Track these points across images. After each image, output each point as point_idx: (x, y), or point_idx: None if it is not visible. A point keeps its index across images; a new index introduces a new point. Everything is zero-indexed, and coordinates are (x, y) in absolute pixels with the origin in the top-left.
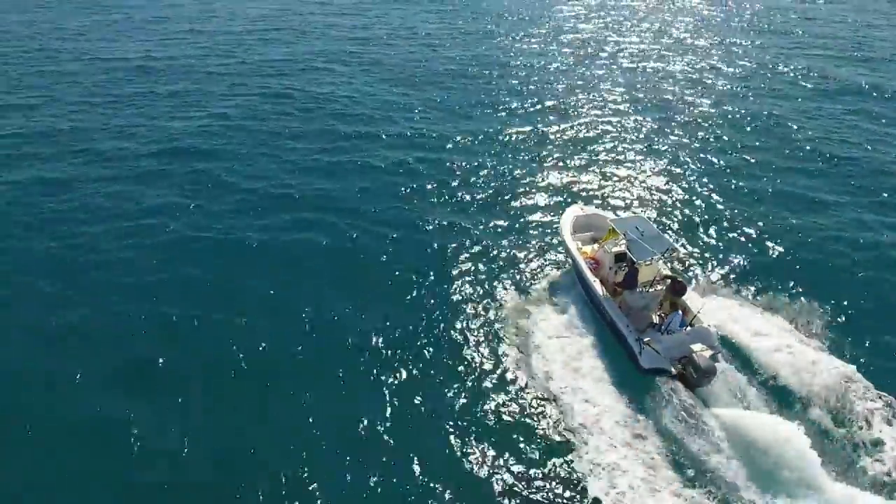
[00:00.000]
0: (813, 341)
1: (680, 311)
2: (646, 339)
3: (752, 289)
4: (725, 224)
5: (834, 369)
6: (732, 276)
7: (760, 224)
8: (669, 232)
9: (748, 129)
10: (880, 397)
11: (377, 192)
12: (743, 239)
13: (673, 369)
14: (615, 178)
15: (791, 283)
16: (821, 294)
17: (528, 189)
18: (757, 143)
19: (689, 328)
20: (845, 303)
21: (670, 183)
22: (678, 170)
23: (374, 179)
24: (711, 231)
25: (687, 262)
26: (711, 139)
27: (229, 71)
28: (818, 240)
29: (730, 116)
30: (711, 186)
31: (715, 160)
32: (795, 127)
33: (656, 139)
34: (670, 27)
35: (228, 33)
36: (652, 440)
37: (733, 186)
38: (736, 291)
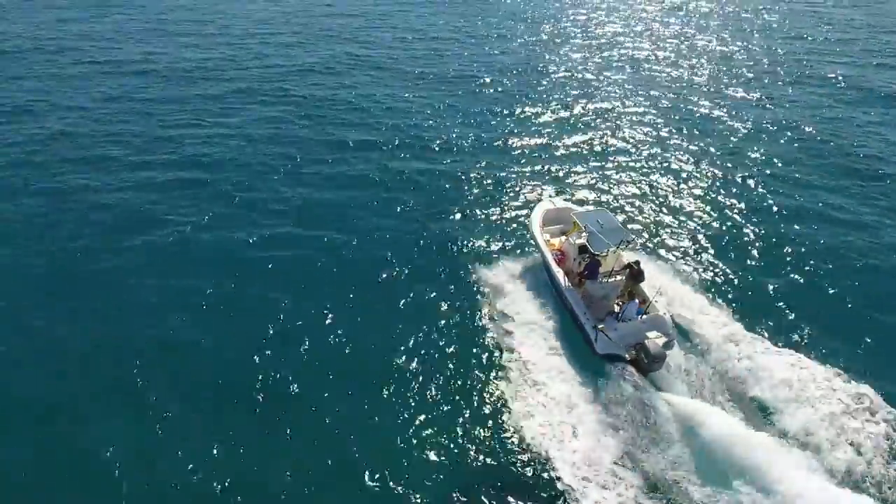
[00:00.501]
0: (763, 333)
1: (636, 300)
2: (600, 327)
3: (709, 276)
4: (731, 232)
5: (779, 356)
6: (708, 272)
7: (770, 236)
8: (673, 234)
9: (762, 135)
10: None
11: (375, 201)
12: (726, 242)
13: (627, 355)
14: (622, 183)
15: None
16: (772, 284)
17: (522, 192)
18: (786, 157)
19: (644, 316)
20: (793, 296)
21: (680, 188)
22: (692, 180)
23: (370, 188)
24: (707, 233)
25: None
26: (727, 148)
27: (231, 76)
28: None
29: (743, 123)
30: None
31: (737, 173)
32: (814, 133)
33: (670, 146)
34: (687, 32)
35: (229, 36)
36: (601, 419)
37: (750, 195)
38: (699, 283)
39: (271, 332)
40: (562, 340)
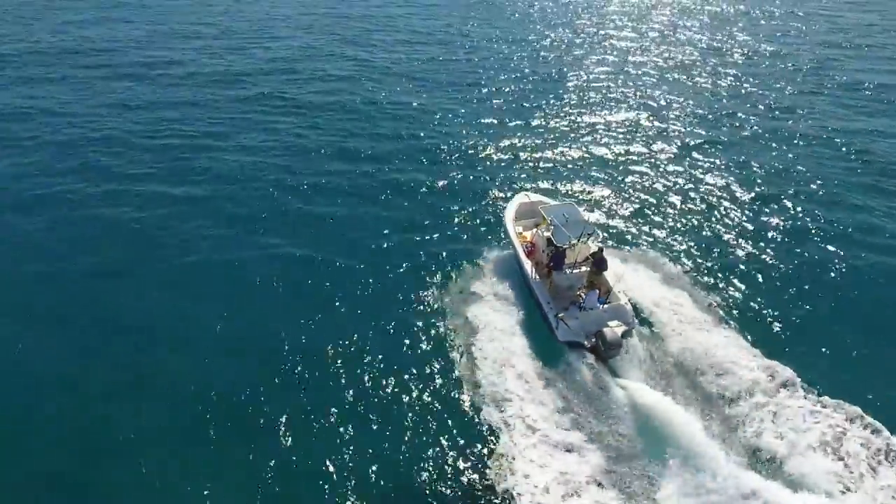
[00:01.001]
0: (723, 324)
1: (596, 290)
2: (561, 315)
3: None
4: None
5: (733, 348)
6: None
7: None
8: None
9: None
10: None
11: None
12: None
13: (586, 342)
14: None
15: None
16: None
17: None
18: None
19: (606, 305)
20: (768, 297)
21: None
22: (698, 183)
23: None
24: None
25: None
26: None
27: (234, 79)
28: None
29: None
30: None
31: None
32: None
33: (686, 155)
34: (700, 37)
35: (231, 35)
36: (557, 403)
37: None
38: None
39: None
40: (526, 328)
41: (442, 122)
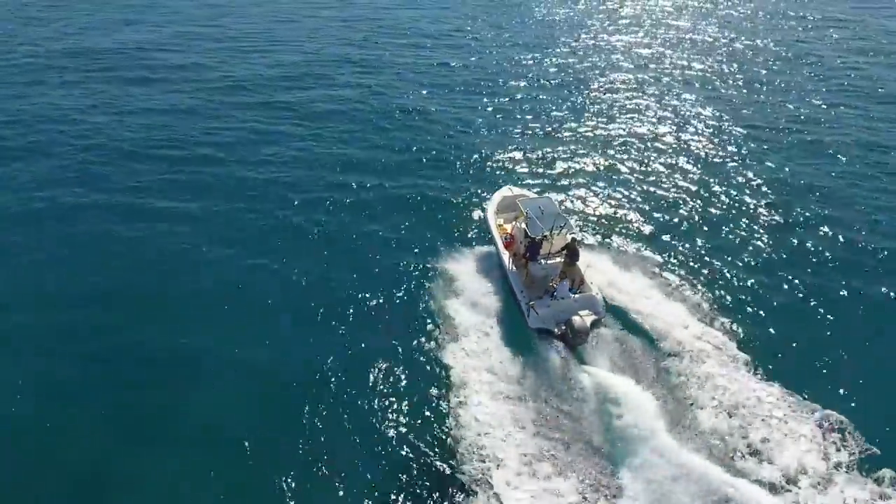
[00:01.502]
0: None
1: (567, 280)
2: (532, 303)
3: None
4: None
5: (702, 339)
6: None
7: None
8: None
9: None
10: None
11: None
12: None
13: (556, 330)
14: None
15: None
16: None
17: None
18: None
19: (577, 295)
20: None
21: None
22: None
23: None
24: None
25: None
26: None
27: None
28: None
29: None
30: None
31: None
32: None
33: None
34: (729, 42)
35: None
36: (525, 385)
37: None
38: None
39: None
40: (501, 315)
41: (448, 127)
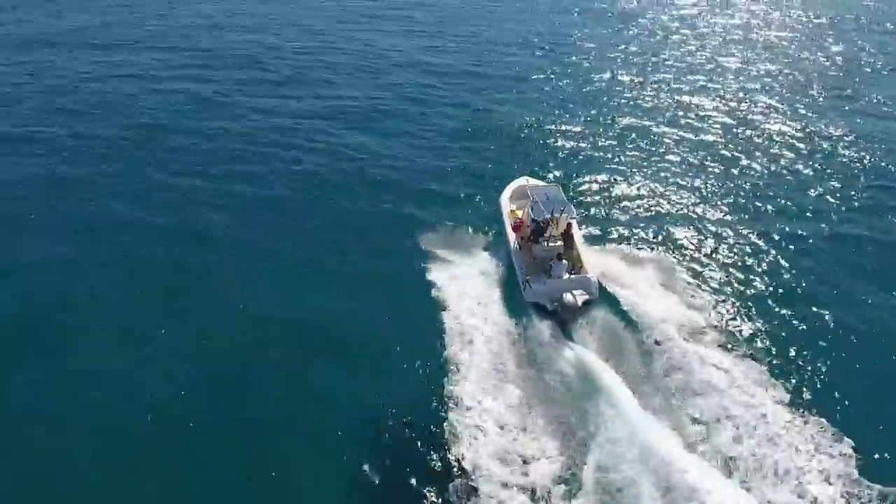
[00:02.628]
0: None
1: (564, 261)
2: (528, 279)
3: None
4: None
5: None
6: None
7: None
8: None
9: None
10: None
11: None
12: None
13: (549, 305)
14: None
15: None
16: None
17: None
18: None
19: (573, 276)
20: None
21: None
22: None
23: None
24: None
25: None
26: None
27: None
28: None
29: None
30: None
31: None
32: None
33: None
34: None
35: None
36: (514, 352)
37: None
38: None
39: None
40: (502, 289)
41: (476, 119)
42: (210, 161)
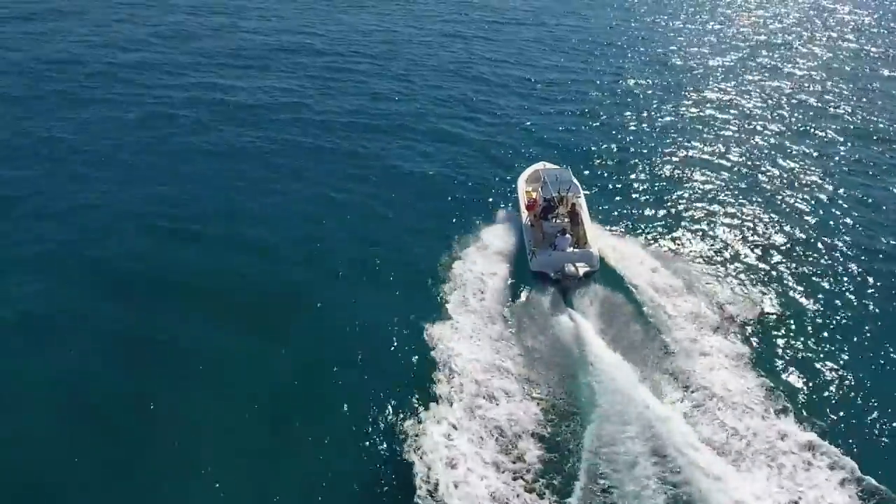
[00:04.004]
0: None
1: (568, 236)
2: (534, 250)
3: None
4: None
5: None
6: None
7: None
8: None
9: None
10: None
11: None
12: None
13: (553, 275)
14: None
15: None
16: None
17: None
18: None
19: (576, 249)
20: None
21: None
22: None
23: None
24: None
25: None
26: None
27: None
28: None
29: None
30: None
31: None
32: None
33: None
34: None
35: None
36: (515, 315)
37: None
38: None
39: None
40: (511, 259)
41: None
42: None
